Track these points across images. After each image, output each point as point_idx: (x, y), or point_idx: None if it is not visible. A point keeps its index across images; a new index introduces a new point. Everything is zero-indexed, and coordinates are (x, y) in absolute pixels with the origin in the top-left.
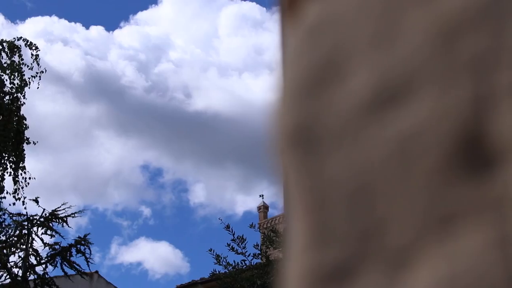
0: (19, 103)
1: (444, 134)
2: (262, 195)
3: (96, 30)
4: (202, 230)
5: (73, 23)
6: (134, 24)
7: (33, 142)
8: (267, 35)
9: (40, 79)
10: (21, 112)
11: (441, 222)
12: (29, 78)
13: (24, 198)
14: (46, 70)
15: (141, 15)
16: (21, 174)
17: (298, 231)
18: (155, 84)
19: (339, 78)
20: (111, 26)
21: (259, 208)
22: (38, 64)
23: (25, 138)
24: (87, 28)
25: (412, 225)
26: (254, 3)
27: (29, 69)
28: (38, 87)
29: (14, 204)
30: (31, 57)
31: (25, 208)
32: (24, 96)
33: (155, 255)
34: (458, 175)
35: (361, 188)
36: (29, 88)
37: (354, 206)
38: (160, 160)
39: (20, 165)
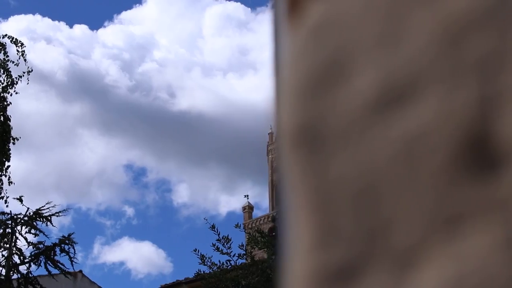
0: (5, 103)
1: (450, 135)
2: (247, 196)
3: (80, 29)
4: (185, 230)
5: (56, 22)
6: (118, 23)
7: (16, 138)
8: (251, 35)
9: (29, 75)
10: (7, 113)
11: (448, 222)
12: (16, 78)
13: (7, 197)
14: (32, 70)
15: (125, 14)
16: (6, 174)
17: (302, 231)
18: (139, 83)
19: (344, 78)
20: (95, 25)
21: (244, 208)
22: (25, 60)
23: (11, 138)
24: (71, 26)
25: (419, 225)
26: (238, 3)
27: (14, 65)
28: (28, 83)
29: None
30: (17, 54)
31: (7, 206)
32: (16, 91)
33: (138, 255)
34: (464, 176)
35: (367, 188)
36: (14, 89)
37: (360, 206)
38: (143, 160)
39: (6, 164)
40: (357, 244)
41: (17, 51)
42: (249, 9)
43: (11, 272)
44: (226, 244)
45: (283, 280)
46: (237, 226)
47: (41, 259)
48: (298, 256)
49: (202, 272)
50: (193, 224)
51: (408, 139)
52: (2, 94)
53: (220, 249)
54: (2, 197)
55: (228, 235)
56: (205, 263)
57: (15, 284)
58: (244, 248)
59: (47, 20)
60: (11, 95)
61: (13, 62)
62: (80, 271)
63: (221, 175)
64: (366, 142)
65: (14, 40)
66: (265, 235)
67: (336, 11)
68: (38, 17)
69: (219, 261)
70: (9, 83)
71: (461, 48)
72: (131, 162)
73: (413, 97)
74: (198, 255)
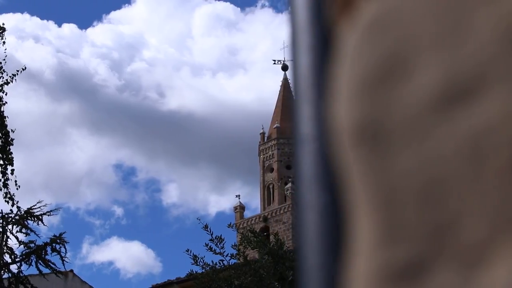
0: (0, 102)
1: None
2: (239, 195)
3: (69, 28)
4: (174, 230)
5: (45, 21)
6: (107, 23)
7: (12, 130)
8: (241, 35)
9: (18, 73)
10: (4, 113)
11: None
12: (10, 77)
13: (17, 202)
14: (25, 68)
15: (114, 14)
16: (11, 178)
17: (364, 228)
18: (128, 83)
19: (405, 74)
20: (84, 24)
21: (235, 208)
22: (4, 43)
23: (11, 140)
24: (60, 25)
25: (486, 223)
26: (228, 3)
27: None
28: (15, 78)
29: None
30: None
31: (18, 210)
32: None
33: (127, 254)
34: None
35: (432, 184)
36: (3, 88)
37: (425, 202)
38: (133, 159)
39: (10, 168)
40: (422, 242)
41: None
42: (239, 9)
43: (2, 271)
44: (219, 244)
45: (346, 279)
46: (229, 226)
47: (32, 258)
48: (362, 254)
49: (194, 272)
50: (183, 224)
51: (473, 135)
52: None
53: (213, 249)
54: (13, 204)
55: (221, 235)
56: (198, 263)
57: (6, 283)
58: (237, 248)
59: (36, 19)
60: (5, 94)
61: None
62: (71, 271)
63: (210, 175)
64: (430, 138)
65: None
66: (258, 234)
67: (394, 7)
68: (26, 16)
69: (212, 262)
70: (4, 82)
71: None
72: (121, 162)
73: (478, 93)
74: (190, 255)
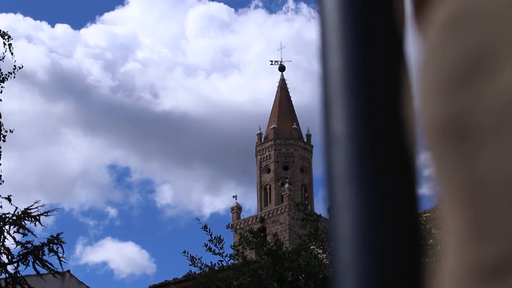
0: None
1: None
2: (235, 196)
3: (62, 28)
4: (169, 231)
5: (38, 21)
6: (101, 24)
7: (10, 130)
8: (234, 36)
9: (16, 71)
10: None
11: None
12: (6, 75)
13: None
14: (22, 66)
15: (108, 15)
16: None
17: (453, 226)
18: (121, 83)
19: (490, 71)
20: (77, 24)
21: (232, 209)
22: (12, 54)
23: (1, 136)
24: (53, 26)
25: None
26: (221, 4)
27: (1, 59)
28: (14, 77)
29: None
30: (3, 46)
31: (1, 207)
32: (3, 86)
33: (120, 255)
34: None
35: None
36: (3, 86)
37: None
38: (127, 160)
39: None
40: None
41: (4, 43)
42: (232, 9)
43: None
44: (218, 244)
45: (437, 276)
46: (228, 226)
47: (29, 258)
48: (451, 252)
49: (193, 273)
50: (177, 225)
51: None
52: None
53: (212, 250)
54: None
55: (220, 235)
56: (195, 265)
57: (2, 283)
58: (235, 249)
59: (29, 19)
60: (1, 92)
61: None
62: (68, 271)
63: (204, 175)
64: None
65: (1, 33)
66: (257, 235)
67: (476, 3)
68: (19, 16)
69: (211, 262)
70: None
71: None
72: (115, 163)
73: None
74: (188, 256)
